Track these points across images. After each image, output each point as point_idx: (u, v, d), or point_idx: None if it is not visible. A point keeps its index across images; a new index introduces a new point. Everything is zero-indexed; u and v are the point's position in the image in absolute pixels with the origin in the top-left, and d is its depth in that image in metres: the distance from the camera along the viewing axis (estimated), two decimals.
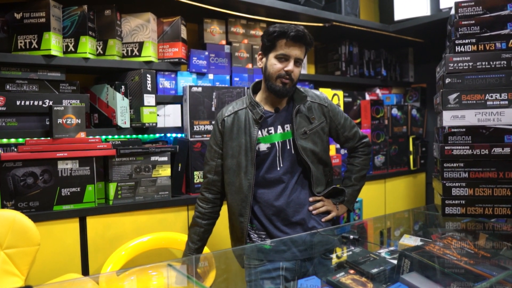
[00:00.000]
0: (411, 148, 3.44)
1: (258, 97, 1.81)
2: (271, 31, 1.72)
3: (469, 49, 1.64)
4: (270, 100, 1.79)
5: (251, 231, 1.76)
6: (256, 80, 1.86)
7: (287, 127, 1.79)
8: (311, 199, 1.77)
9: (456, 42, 1.65)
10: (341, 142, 1.91)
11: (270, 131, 1.77)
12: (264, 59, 1.77)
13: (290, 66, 1.69)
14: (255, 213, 1.76)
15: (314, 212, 1.76)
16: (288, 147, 1.77)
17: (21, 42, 2.00)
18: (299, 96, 1.81)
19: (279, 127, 1.78)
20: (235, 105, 1.82)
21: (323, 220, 1.78)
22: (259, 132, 1.75)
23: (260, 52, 1.80)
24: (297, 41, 1.69)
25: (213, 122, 1.91)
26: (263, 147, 1.75)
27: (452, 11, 1.76)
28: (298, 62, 1.72)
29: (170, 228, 2.21)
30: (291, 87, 1.73)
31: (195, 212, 1.83)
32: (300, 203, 1.77)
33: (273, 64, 1.71)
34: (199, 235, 1.79)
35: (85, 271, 2.01)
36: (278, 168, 1.75)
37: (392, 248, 1.47)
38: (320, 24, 2.85)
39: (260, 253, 1.69)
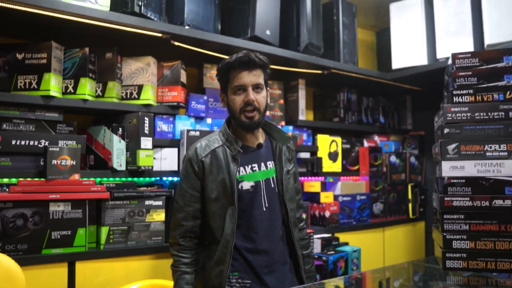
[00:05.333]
0: (410, 196, 3.40)
1: (233, 134, 1.72)
2: (219, 67, 1.68)
3: (466, 99, 1.64)
4: (245, 136, 1.71)
5: (233, 280, 1.64)
6: (229, 115, 1.78)
7: (270, 164, 1.72)
8: None
9: (454, 92, 1.65)
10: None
11: (254, 168, 1.69)
12: (225, 98, 1.72)
13: (250, 95, 1.62)
14: (238, 260, 1.65)
15: None
16: (273, 186, 1.71)
17: (21, 82, 2.00)
18: (282, 136, 1.77)
19: (263, 163, 1.71)
20: (209, 143, 1.71)
21: None
22: (242, 169, 1.67)
23: (220, 93, 1.76)
24: (247, 67, 1.63)
25: (182, 163, 1.75)
26: (247, 185, 1.66)
27: (449, 62, 1.78)
28: (258, 88, 1.65)
29: (162, 275, 2.13)
30: (259, 118, 1.66)
31: (177, 265, 1.69)
32: (284, 246, 1.73)
33: (233, 99, 1.66)
34: (192, 283, 1.68)
35: None
36: (264, 209, 1.67)
37: None
38: (319, 71, 2.89)
39: None
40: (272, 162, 1.74)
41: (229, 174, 1.63)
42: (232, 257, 1.63)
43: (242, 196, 1.65)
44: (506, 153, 1.55)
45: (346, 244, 2.79)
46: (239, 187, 1.65)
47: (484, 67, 1.67)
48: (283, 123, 2.91)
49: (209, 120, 2.51)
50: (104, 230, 2.04)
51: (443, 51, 2.86)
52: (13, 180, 1.96)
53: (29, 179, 1.95)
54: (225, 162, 1.65)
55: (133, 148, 2.18)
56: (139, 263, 2.10)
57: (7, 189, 1.92)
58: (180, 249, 1.70)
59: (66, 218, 1.94)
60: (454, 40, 2.79)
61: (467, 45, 2.72)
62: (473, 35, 2.71)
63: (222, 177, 1.64)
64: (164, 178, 2.44)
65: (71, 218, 1.96)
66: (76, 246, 1.96)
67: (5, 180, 1.96)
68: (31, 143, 1.95)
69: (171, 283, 2.01)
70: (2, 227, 1.82)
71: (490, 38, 2.57)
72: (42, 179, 1.94)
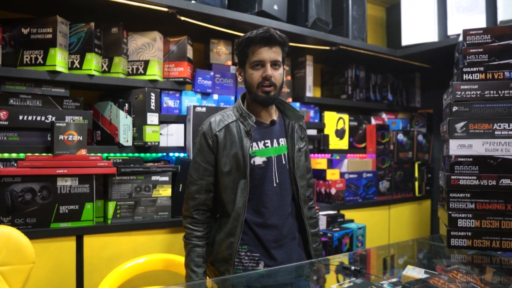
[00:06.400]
0: (416, 174, 3.39)
1: (247, 109, 1.73)
2: (239, 41, 1.68)
3: (477, 77, 1.62)
4: (259, 112, 1.73)
5: (242, 253, 1.68)
6: (245, 90, 1.78)
7: (282, 141, 1.74)
8: None
9: (464, 70, 1.63)
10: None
11: (267, 144, 1.71)
12: (242, 73, 1.72)
13: (268, 70, 1.63)
14: (248, 233, 1.69)
15: None
16: (284, 162, 1.73)
17: (27, 57, 2.00)
18: (295, 114, 1.78)
19: (275, 140, 1.73)
20: (223, 118, 1.72)
21: None
22: (255, 145, 1.69)
23: (237, 67, 1.76)
24: (267, 43, 1.63)
25: (197, 137, 1.76)
26: (259, 160, 1.68)
27: (460, 38, 1.74)
28: (276, 65, 1.65)
29: (168, 249, 2.16)
30: (275, 93, 1.67)
31: (189, 238, 1.71)
32: (293, 222, 1.76)
33: (251, 74, 1.66)
34: (203, 256, 1.70)
35: None
36: (274, 184, 1.70)
37: (394, 280, 1.42)
38: (327, 48, 2.85)
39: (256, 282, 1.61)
40: (285, 139, 1.75)
41: (242, 148, 1.66)
42: (242, 230, 1.66)
43: (254, 171, 1.68)
44: None
45: (352, 221, 2.80)
46: (251, 162, 1.67)
47: (496, 43, 1.63)
48: (290, 99, 2.89)
49: (215, 96, 2.50)
50: (111, 205, 2.06)
51: (455, 28, 2.80)
52: (21, 155, 1.98)
53: (36, 154, 1.96)
54: (239, 137, 1.67)
55: (139, 124, 2.18)
56: (146, 237, 2.13)
57: (15, 164, 1.94)
58: (193, 222, 1.72)
59: (73, 193, 1.97)
60: (466, 17, 2.73)
61: (480, 22, 2.66)
62: (486, 12, 2.65)
63: (235, 151, 1.66)
64: (171, 154, 2.45)
65: (79, 193, 1.98)
66: (84, 220, 1.98)
67: (13, 155, 1.98)
68: (38, 118, 1.96)
69: (179, 257, 2.05)
70: (11, 201, 1.85)
71: (504, 14, 2.51)
72: (50, 154, 1.95)
